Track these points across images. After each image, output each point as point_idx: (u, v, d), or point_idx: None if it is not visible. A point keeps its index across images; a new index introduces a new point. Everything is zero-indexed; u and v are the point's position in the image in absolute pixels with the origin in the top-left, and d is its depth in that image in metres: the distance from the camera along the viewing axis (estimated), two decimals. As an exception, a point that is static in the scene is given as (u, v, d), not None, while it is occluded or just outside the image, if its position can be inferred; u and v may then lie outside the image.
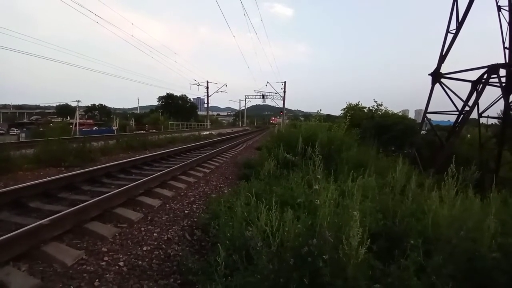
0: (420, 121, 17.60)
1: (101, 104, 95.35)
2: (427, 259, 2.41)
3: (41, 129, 23.73)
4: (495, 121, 19.97)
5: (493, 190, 3.51)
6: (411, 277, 2.21)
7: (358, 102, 24.57)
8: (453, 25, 14.41)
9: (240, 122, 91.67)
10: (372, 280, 2.23)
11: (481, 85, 13.58)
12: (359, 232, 2.16)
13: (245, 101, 78.01)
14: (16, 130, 50.93)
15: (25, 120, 75.06)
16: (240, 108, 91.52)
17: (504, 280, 2.40)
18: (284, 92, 54.38)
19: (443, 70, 14.80)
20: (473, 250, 2.62)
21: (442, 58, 14.74)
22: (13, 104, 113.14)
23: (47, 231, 3.56)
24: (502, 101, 14.17)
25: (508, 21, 14.82)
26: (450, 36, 14.52)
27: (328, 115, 36.26)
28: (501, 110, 16.04)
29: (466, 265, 2.50)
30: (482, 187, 5.99)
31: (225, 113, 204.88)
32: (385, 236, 2.98)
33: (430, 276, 2.28)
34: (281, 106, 57.35)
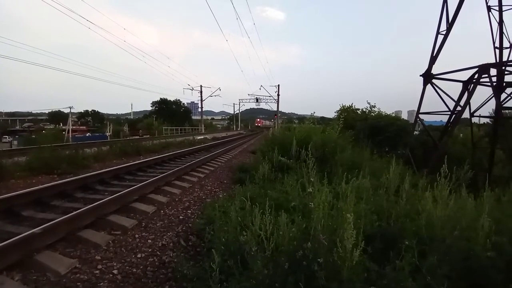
0: (412, 121, 17.70)
1: (94, 110, 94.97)
2: (422, 259, 2.42)
3: (34, 136, 23.56)
4: (487, 120, 20.18)
5: (486, 189, 3.53)
6: (407, 278, 2.21)
7: (352, 104, 24.77)
8: (444, 26, 14.53)
9: (234, 126, 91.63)
10: (368, 282, 2.23)
11: (472, 85, 13.67)
12: (353, 235, 2.16)
13: (239, 105, 78.15)
14: (8, 138, 50.48)
15: (18, 127, 74.43)
16: (234, 112, 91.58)
17: (500, 279, 2.41)
18: (278, 95, 54.50)
19: (435, 70, 14.90)
20: (468, 249, 2.62)
21: (433, 59, 14.84)
22: (5, 111, 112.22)
23: (40, 239, 3.53)
24: (493, 100, 14.32)
25: (498, 21, 14.99)
26: (440, 37, 14.62)
27: (322, 118, 36.43)
28: (492, 109, 16.19)
29: (461, 265, 2.50)
30: (476, 186, 6.03)
31: (220, 117, 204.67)
32: (380, 238, 2.98)
33: (426, 276, 2.28)
34: (275, 109, 57.43)
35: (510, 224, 3.11)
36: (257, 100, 63.02)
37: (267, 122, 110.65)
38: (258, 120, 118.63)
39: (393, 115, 23.73)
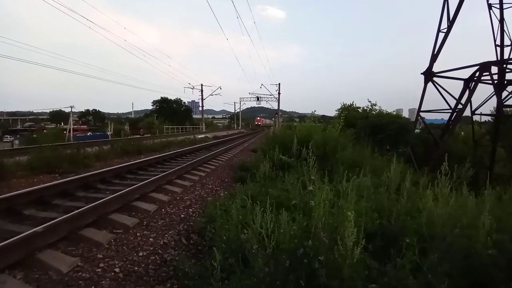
0: (414, 120, 17.68)
1: (95, 109, 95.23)
2: (423, 257, 2.42)
3: (35, 135, 23.62)
4: (488, 118, 20.14)
5: (487, 187, 3.53)
6: (407, 276, 2.21)
7: (353, 102, 24.67)
8: (444, 24, 14.51)
9: (235, 125, 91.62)
10: (369, 280, 2.23)
11: (473, 83, 13.65)
12: (353, 232, 2.16)
13: (240, 103, 78.10)
14: (10, 137, 50.56)
15: (19, 127, 74.52)
16: (235, 110, 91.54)
17: (501, 276, 2.41)
18: (279, 93, 54.47)
19: (436, 69, 14.88)
20: (469, 247, 2.62)
21: (434, 57, 14.81)
22: (6, 111, 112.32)
23: (41, 238, 3.54)
24: (494, 98, 14.31)
25: (499, 18, 14.96)
26: (441, 35, 14.60)
27: (323, 116, 36.38)
28: (494, 107, 16.17)
29: (462, 263, 2.50)
30: (477, 184, 6.02)
31: (220, 116, 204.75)
32: (381, 236, 2.98)
33: (426, 274, 2.28)
34: (276, 108, 57.42)
35: (511, 222, 3.11)
36: (258, 98, 63.04)
37: (267, 121, 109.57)
38: (258, 118, 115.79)
39: (394, 113, 23.66)
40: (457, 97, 14.42)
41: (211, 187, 7.61)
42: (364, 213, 3.14)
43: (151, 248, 3.89)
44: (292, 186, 4.82)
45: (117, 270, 3.29)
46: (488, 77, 13.33)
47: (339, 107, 24.84)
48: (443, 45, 14.60)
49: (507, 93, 14.08)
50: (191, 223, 4.86)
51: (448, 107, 14.64)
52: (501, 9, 14.89)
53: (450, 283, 2.19)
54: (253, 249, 2.51)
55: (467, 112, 14.92)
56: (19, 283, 2.92)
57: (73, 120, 47.64)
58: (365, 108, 23.46)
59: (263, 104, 66.92)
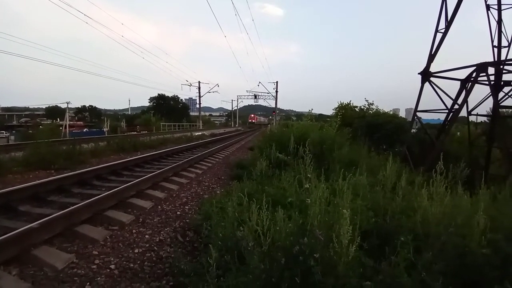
0: (410, 119, 17.74)
1: (92, 106, 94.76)
2: (418, 256, 2.43)
3: (31, 131, 23.51)
4: (484, 119, 20.22)
5: (482, 187, 3.55)
6: (402, 273, 2.22)
7: (350, 101, 24.71)
8: (442, 24, 14.52)
9: (232, 123, 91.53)
10: (363, 277, 2.24)
11: (470, 83, 13.69)
12: (349, 230, 2.17)
13: (237, 101, 78.08)
14: (5, 133, 50.20)
15: (14, 123, 74.08)
16: (232, 108, 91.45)
17: (495, 275, 2.42)
18: (276, 92, 54.44)
19: (433, 69, 14.91)
20: (463, 246, 2.64)
21: (431, 57, 14.83)
22: (2, 106, 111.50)
23: (37, 234, 3.53)
24: (491, 99, 14.34)
25: (496, 19, 15.00)
26: (439, 35, 14.61)
27: (320, 115, 36.41)
28: (490, 108, 16.22)
29: (456, 261, 2.52)
30: (472, 184, 6.05)
31: (218, 114, 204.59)
32: (376, 234, 3.00)
33: (421, 272, 2.30)
34: (274, 106, 57.42)
35: (506, 222, 3.13)
36: (255, 96, 63.05)
37: (262, 118, 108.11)
38: (253, 116, 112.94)
39: (391, 112, 23.72)
40: (453, 98, 14.47)
41: (207, 185, 7.61)
42: (360, 211, 3.15)
43: (147, 245, 3.89)
44: (289, 184, 4.83)
45: (112, 266, 3.30)
46: (485, 78, 13.36)
47: (336, 106, 24.88)
48: (440, 45, 14.62)
49: (504, 94, 14.13)
50: (187, 220, 4.87)
51: (445, 107, 14.69)
52: (499, 10, 14.92)
53: (444, 281, 2.21)
54: (249, 246, 2.51)
55: (463, 113, 14.99)
56: (14, 279, 2.91)
57: (69, 116, 47.38)
58: (362, 107, 23.52)
59: (261, 102, 66.94)
